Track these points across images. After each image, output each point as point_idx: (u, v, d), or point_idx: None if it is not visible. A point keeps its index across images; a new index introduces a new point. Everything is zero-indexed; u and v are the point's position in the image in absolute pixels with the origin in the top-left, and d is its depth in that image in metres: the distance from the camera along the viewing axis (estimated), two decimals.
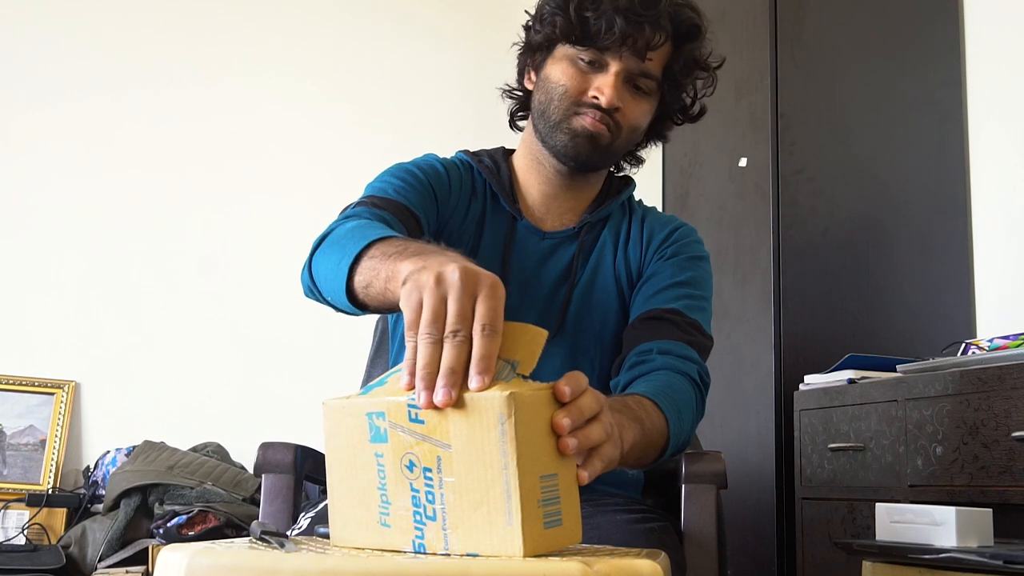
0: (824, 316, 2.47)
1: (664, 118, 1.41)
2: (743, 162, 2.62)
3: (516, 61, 1.41)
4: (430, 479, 0.79)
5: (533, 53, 1.36)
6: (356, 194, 1.41)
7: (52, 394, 3.01)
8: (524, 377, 0.81)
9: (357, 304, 1.06)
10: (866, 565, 1.65)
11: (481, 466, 0.77)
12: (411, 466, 0.80)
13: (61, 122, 3.18)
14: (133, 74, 3.25)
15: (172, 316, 3.16)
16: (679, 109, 1.40)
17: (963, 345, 2.18)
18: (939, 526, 1.50)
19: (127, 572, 2.50)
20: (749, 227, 2.58)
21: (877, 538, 1.61)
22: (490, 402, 0.76)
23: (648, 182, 3.08)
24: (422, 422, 0.79)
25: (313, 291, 1.15)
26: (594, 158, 1.32)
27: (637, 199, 1.48)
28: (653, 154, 2.72)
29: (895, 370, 2.10)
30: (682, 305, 1.32)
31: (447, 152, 1.48)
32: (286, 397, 3.04)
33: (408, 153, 1.45)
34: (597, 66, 1.29)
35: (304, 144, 3.38)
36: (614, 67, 1.28)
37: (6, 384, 2.97)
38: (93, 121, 3.20)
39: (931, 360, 2.06)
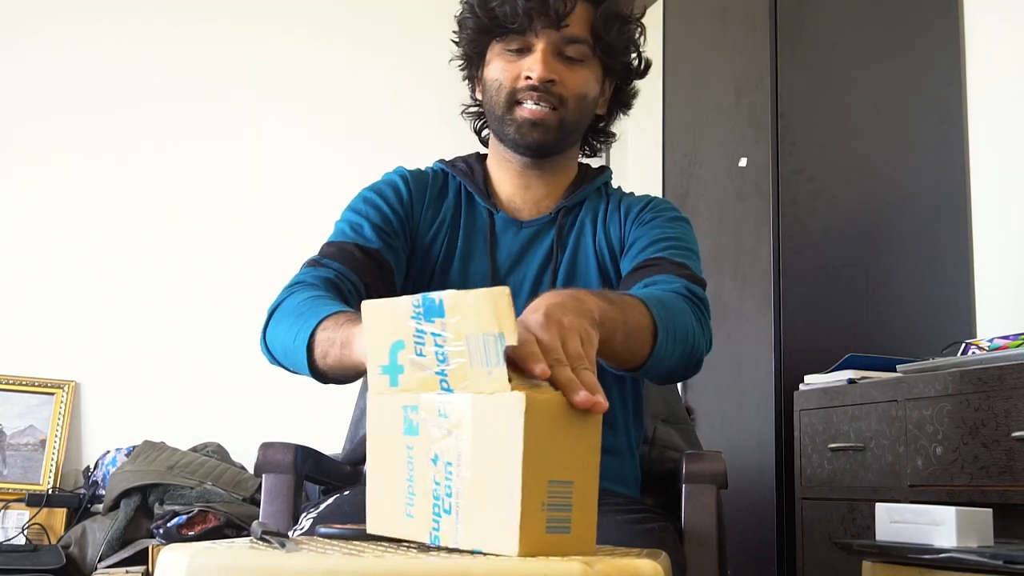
0: (824, 316, 2.47)
1: (620, 85, 1.44)
2: (743, 162, 2.62)
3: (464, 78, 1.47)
4: (450, 474, 0.81)
5: (470, 65, 1.42)
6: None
7: (52, 394, 3.01)
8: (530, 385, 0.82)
9: (318, 375, 1.15)
10: (866, 565, 1.65)
11: (492, 463, 0.78)
12: (435, 460, 0.82)
13: (61, 122, 3.18)
14: (134, 75, 3.25)
15: (172, 316, 3.16)
16: (623, 68, 1.41)
17: (963, 345, 2.18)
18: (939, 526, 1.50)
19: (127, 572, 2.50)
20: (749, 227, 2.58)
21: (877, 538, 1.61)
22: (506, 401, 0.77)
23: (648, 182, 3.08)
24: (447, 417, 0.81)
25: (275, 362, 1.24)
26: (548, 140, 1.34)
27: (615, 186, 1.50)
28: (653, 154, 2.74)
29: (895, 370, 2.10)
30: (667, 254, 1.33)
31: (442, 153, 1.51)
32: (286, 397, 3.04)
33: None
34: (525, 51, 1.33)
35: (305, 145, 3.38)
36: (538, 44, 1.32)
37: (6, 384, 2.98)
38: (93, 121, 3.20)
39: (931, 360, 2.06)
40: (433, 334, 0.83)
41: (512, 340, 0.78)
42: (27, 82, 3.16)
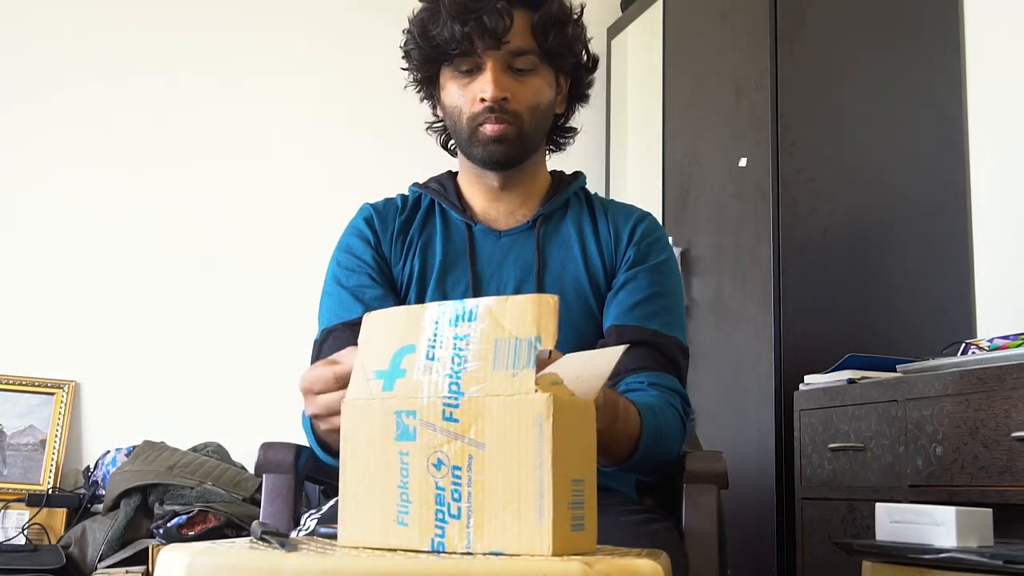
0: (824, 316, 2.47)
1: (575, 80, 1.45)
2: (743, 162, 2.62)
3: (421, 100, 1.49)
4: (458, 477, 0.80)
5: (424, 87, 1.44)
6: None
7: (52, 394, 3.01)
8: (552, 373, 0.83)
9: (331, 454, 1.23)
10: (866, 565, 1.65)
11: (515, 465, 0.78)
12: (439, 464, 0.81)
13: (61, 122, 3.18)
14: (133, 75, 3.25)
15: (172, 316, 3.16)
16: (574, 66, 1.43)
17: (963, 345, 2.18)
18: (939, 526, 1.50)
19: (127, 572, 2.50)
20: (749, 227, 2.58)
21: (877, 538, 1.61)
22: (530, 402, 0.78)
23: (648, 182, 3.08)
24: (456, 421, 0.81)
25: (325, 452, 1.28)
26: (512, 154, 1.36)
27: (593, 191, 1.52)
28: (653, 154, 2.72)
29: (895, 370, 2.10)
30: (660, 323, 1.36)
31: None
32: (286, 397, 3.03)
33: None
34: (476, 71, 1.34)
35: (305, 143, 3.38)
36: (486, 64, 1.33)
37: (6, 384, 2.98)
38: (93, 122, 3.20)
39: (931, 360, 2.06)
40: (456, 337, 0.83)
41: (549, 345, 0.80)
42: (28, 84, 3.16)
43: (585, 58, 1.44)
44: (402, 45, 1.40)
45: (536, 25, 1.34)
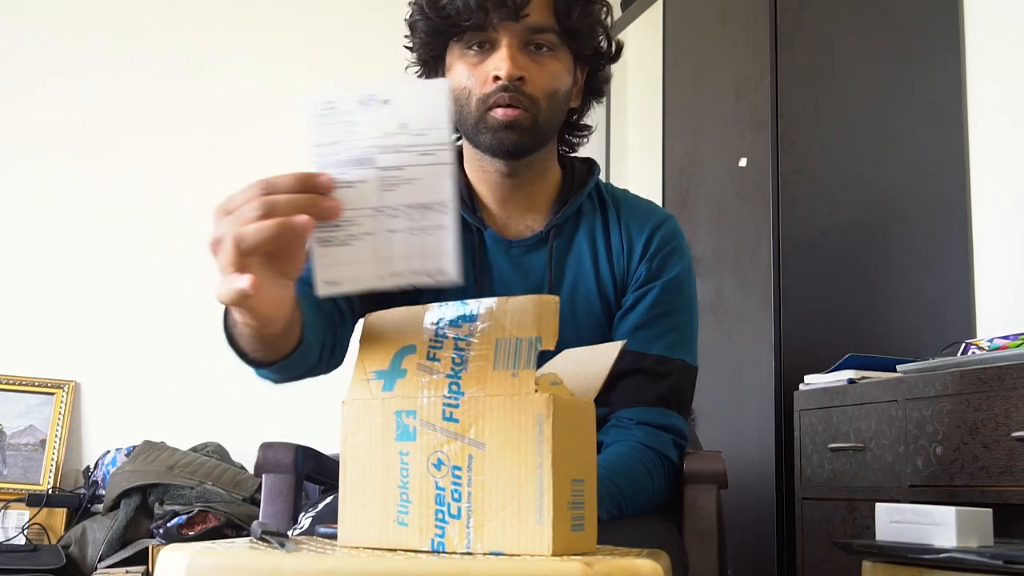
0: (824, 316, 2.47)
1: (592, 72, 1.36)
2: (743, 162, 2.62)
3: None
4: (458, 477, 0.80)
5: (428, 71, 1.32)
6: None
7: (52, 394, 3.01)
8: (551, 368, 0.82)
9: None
10: (866, 565, 1.65)
11: (515, 465, 0.78)
12: (439, 464, 0.81)
13: (61, 122, 3.18)
14: (134, 74, 3.25)
15: (172, 316, 3.16)
16: (593, 52, 1.32)
17: (963, 345, 2.18)
18: (939, 526, 1.50)
19: (127, 572, 2.50)
20: (749, 227, 2.58)
21: (877, 538, 1.61)
22: (530, 402, 0.78)
23: (648, 182, 3.08)
24: (456, 421, 0.81)
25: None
26: (524, 142, 1.25)
27: (606, 182, 1.42)
28: (653, 154, 2.71)
29: (895, 370, 2.10)
30: (664, 346, 1.29)
31: None
32: (286, 397, 3.03)
33: None
34: (488, 48, 1.24)
35: (305, 143, 3.38)
36: (501, 39, 1.22)
37: (6, 384, 2.98)
38: (93, 121, 3.20)
39: (931, 360, 2.06)
40: (456, 338, 0.83)
41: (549, 345, 0.80)
42: (21, 80, 3.16)
43: (606, 45, 1.33)
44: (407, 18, 1.29)
45: (558, 1, 1.23)
